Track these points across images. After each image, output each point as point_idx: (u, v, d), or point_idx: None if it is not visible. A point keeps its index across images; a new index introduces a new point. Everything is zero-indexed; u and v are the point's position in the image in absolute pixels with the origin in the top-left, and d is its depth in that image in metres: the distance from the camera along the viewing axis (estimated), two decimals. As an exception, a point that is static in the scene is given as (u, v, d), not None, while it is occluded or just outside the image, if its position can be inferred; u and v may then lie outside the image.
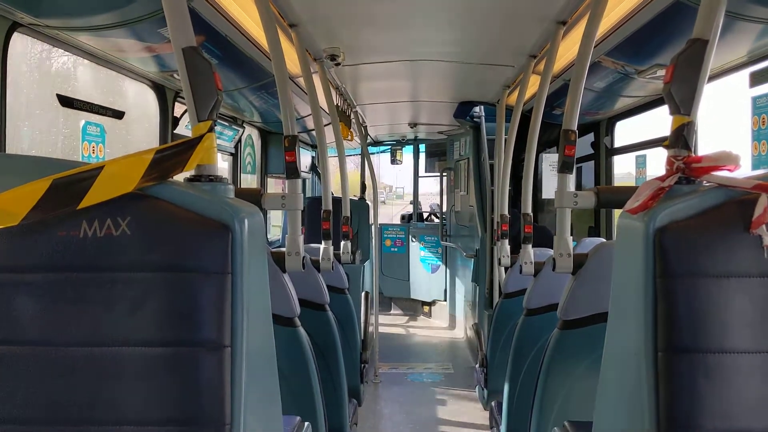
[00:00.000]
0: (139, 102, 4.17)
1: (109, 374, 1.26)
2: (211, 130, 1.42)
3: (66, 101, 3.23)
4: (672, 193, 1.33)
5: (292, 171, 2.67)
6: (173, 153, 1.35)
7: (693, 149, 1.38)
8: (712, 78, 3.46)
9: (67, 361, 1.27)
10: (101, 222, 1.28)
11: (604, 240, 4.38)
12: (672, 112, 1.40)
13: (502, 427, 3.56)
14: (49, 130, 3.46)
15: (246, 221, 1.30)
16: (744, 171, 1.35)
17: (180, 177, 1.38)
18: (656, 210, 1.27)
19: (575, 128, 2.60)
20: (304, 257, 2.76)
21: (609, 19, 3.08)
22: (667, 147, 1.40)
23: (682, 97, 1.38)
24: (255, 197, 2.51)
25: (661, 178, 1.35)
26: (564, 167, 2.58)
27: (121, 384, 1.26)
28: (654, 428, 1.22)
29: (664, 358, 1.22)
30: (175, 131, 4.25)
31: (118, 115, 3.67)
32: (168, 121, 4.17)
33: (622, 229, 1.39)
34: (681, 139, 1.38)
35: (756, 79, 3.12)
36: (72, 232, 1.28)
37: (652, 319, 1.23)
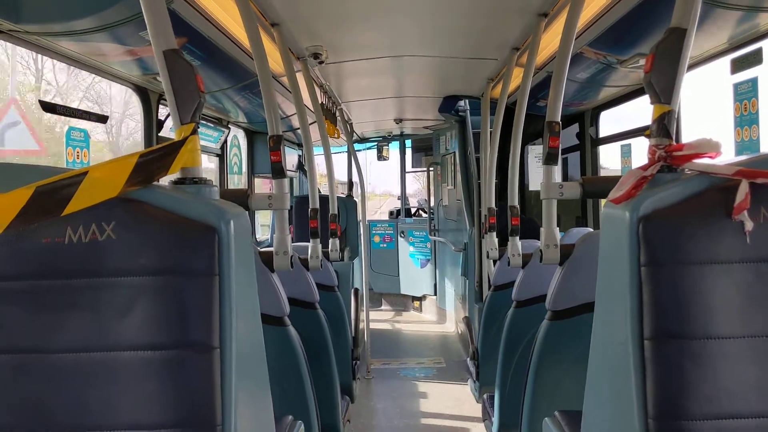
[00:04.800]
0: (123, 105, 4.15)
1: (99, 379, 1.26)
2: (194, 132, 1.41)
3: (48, 107, 3.21)
4: (655, 181, 1.34)
5: (278, 171, 2.67)
6: (157, 156, 1.34)
7: (675, 137, 1.39)
8: (694, 66, 3.48)
9: (57, 368, 1.26)
10: (86, 227, 1.27)
11: (591, 230, 4.40)
12: (653, 102, 1.42)
13: (495, 419, 3.57)
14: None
15: (232, 222, 1.30)
16: (728, 157, 1.37)
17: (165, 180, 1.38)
18: (639, 199, 1.28)
19: (559, 120, 2.61)
20: (292, 256, 2.76)
21: (590, 10, 3.09)
22: (648, 136, 1.41)
23: (662, 87, 1.39)
24: (242, 198, 2.51)
25: (644, 167, 1.36)
26: (549, 159, 2.58)
27: (112, 389, 1.26)
28: (642, 415, 1.23)
29: (650, 346, 1.23)
30: (159, 134, 4.23)
31: (102, 119, 3.65)
32: (152, 124, 4.15)
33: (606, 218, 1.40)
34: (662, 128, 1.39)
35: (737, 66, 3.14)
36: (57, 238, 1.27)
37: (638, 307, 1.24)
